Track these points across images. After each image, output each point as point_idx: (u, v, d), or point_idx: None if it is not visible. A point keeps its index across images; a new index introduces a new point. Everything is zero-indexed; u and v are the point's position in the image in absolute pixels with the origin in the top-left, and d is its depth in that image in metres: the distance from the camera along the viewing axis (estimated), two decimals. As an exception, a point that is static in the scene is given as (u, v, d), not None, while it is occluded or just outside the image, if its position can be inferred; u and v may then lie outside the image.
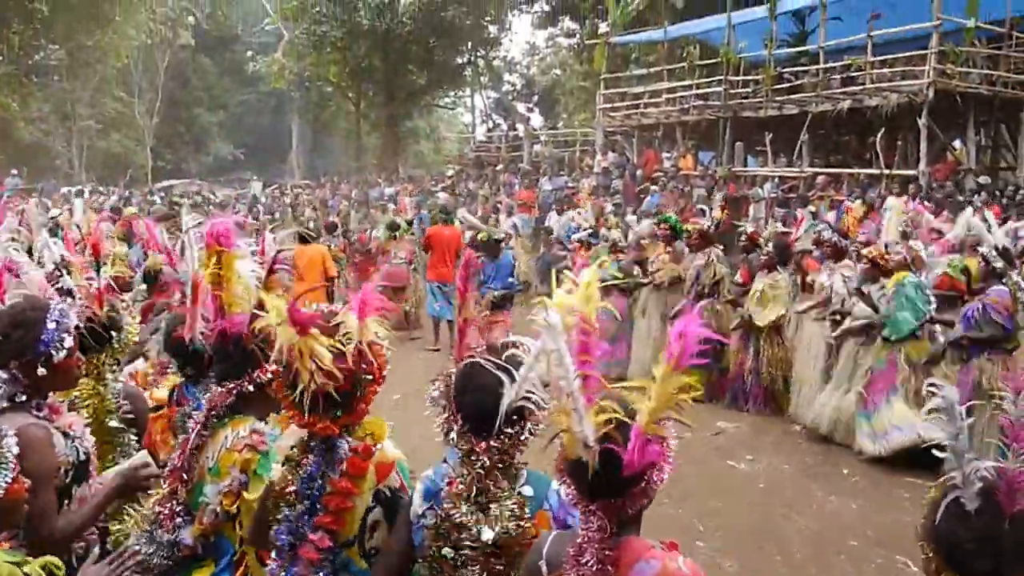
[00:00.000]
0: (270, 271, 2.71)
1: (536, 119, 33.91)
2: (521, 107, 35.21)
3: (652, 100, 18.55)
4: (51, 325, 2.41)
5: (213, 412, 2.49)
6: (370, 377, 2.11)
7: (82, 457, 2.50)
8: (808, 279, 8.01)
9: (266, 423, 2.55)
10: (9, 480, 1.86)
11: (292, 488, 2.12)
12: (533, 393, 1.84)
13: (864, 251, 7.11)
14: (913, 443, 6.11)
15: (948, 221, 9.14)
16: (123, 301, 5.86)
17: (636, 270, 9.29)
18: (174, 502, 2.41)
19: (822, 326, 7.46)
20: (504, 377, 1.87)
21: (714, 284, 8.28)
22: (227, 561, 2.46)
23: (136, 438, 3.17)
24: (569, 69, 30.17)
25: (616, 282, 9.18)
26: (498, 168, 21.63)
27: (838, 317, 7.00)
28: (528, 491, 2.01)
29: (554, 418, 1.61)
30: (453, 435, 2.02)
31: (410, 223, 13.01)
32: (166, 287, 5.30)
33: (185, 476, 2.43)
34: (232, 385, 2.50)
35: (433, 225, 11.01)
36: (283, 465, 2.19)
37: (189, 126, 37.87)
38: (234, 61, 38.85)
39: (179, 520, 2.41)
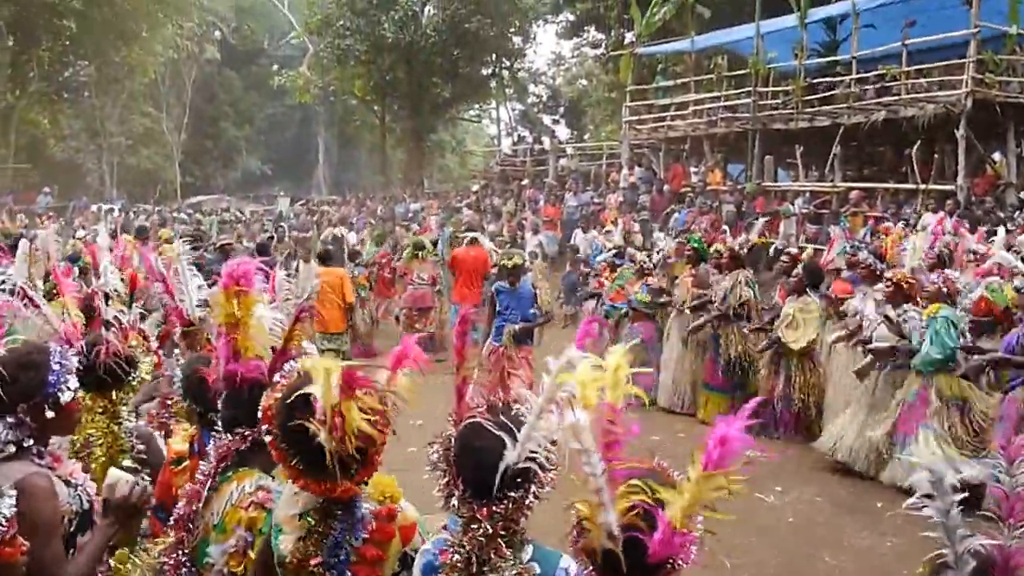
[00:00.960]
0: (296, 320, 2.70)
1: (562, 131, 33.93)
2: (547, 119, 35.24)
3: (679, 112, 18.42)
4: (56, 367, 2.43)
5: (223, 462, 2.44)
6: (379, 435, 2.05)
7: (85, 506, 2.49)
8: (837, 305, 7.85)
9: (273, 477, 2.47)
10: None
11: (317, 560, 2.04)
12: (537, 453, 1.81)
13: (889, 273, 6.96)
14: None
15: (983, 240, 8.93)
16: (143, 329, 5.96)
17: (663, 296, 9.20)
18: (179, 552, 2.37)
19: (854, 353, 7.32)
20: (506, 438, 1.83)
21: (742, 305, 8.16)
22: None
23: (150, 479, 3.08)
24: (595, 80, 30.13)
25: (644, 309, 9.13)
26: (523, 183, 21.62)
27: (869, 346, 6.82)
28: (535, 569, 1.93)
29: (578, 510, 1.60)
30: (454, 501, 1.95)
31: (434, 243, 13.04)
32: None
33: (191, 526, 2.39)
34: (246, 432, 2.44)
35: (458, 246, 11.01)
36: (306, 538, 2.07)
37: (216, 141, 38.36)
38: (260, 75, 39.34)
39: (184, 571, 2.37)
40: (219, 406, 2.66)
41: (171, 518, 2.47)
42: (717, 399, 8.27)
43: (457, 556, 1.90)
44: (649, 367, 8.97)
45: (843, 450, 6.80)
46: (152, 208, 28.29)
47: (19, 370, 2.37)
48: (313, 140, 39.58)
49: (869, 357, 6.72)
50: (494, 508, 1.87)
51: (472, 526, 1.89)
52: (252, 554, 2.26)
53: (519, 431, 1.84)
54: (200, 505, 2.38)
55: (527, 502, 1.88)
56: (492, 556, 1.88)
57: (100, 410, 3.15)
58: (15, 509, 1.89)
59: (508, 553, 1.88)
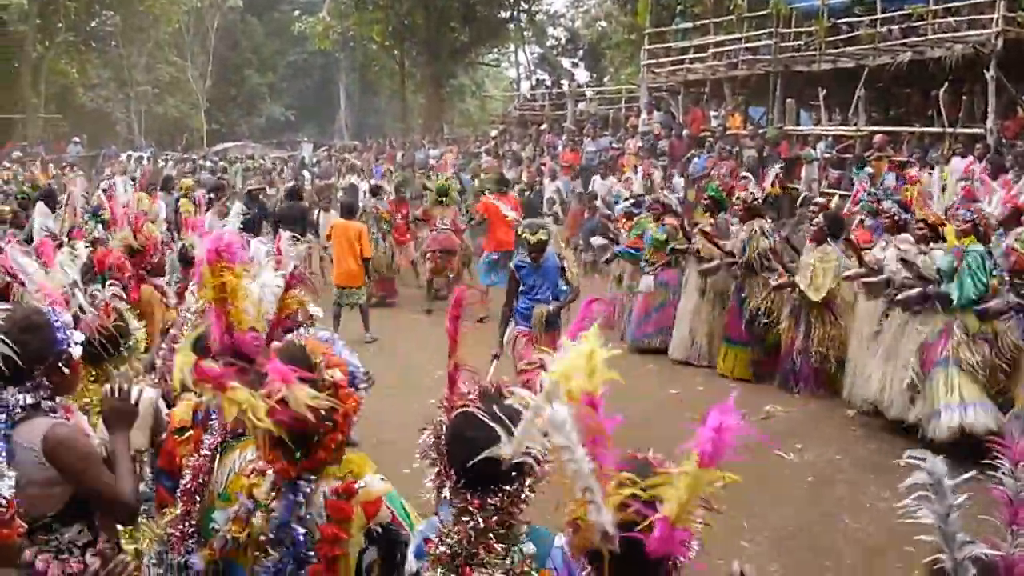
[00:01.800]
0: (287, 288, 2.63)
1: (581, 74, 32.80)
2: (566, 62, 34.05)
3: (699, 55, 17.60)
4: (58, 323, 2.46)
5: (227, 434, 2.37)
6: (330, 424, 1.94)
7: (106, 453, 2.54)
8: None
9: None
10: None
11: (264, 536, 2.00)
12: (533, 448, 1.65)
13: (920, 212, 6.51)
14: (958, 428, 5.66)
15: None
16: (160, 285, 5.73)
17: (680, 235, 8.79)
18: (186, 523, 2.30)
19: (878, 305, 6.92)
20: (500, 429, 1.67)
21: (758, 255, 7.75)
22: None
23: (154, 449, 3.17)
24: (615, 21, 28.95)
25: (661, 249, 8.76)
26: (542, 127, 20.99)
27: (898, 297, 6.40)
28: (530, 548, 1.84)
29: (568, 509, 1.49)
30: (446, 492, 1.87)
31: (460, 192, 12.70)
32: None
33: (198, 498, 2.32)
34: None
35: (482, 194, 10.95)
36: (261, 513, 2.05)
37: (240, 88, 38.01)
38: (281, 22, 38.64)
39: (190, 543, 2.29)
40: None
41: (177, 489, 2.42)
42: (737, 352, 7.95)
43: (442, 548, 1.83)
44: (668, 310, 8.69)
45: (865, 397, 6.46)
46: (180, 155, 28.10)
47: (24, 334, 2.37)
48: (335, 87, 38.95)
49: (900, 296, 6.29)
50: (488, 500, 1.79)
51: (463, 518, 1.82)
52: (255, 520, 2.18)
53: (514, 422, 1.69)
54: (206, 477, 2.34)
55: (522, 495, 1.81)
56: (480, 551, 1.80)
57: (92, 379, 3.17)
58: (12, 492, 1.88)
59: (499, 549, 1.80)
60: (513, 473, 1.77)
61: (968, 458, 5.42)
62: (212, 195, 12.57)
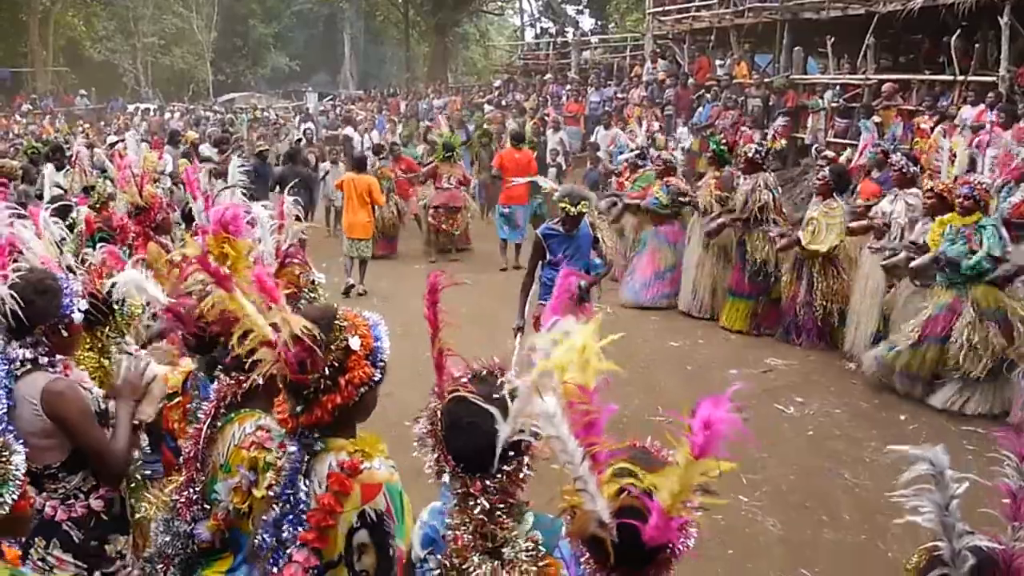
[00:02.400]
0: (281, 266, 2.76)
1: (586, 21, 31.91)
2: (570, 9, 33.07)
3: (705, 2, 16.96)
4: (67, 290, 2.58)
5: (222, 404, 2.38)
6: (330, 383, 1.89)
7: (100, 407, 2.62)
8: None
9: (273, 417, 2.39)
10: (16, 496, 1.86)
11: (272, 492, 2.01)
12: (527, 427, 1.58)
13: (930, 183, 6.29)
14: (954, 404, 5.66)
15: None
16: (165, 243, 5.61)
17: (685, 197, 8.57)
18: (191, 490, 2.33)
19: (881, 257, 6.73)
20: (495, 411, 1.60)
21: (761, 209, 7.56)
22: (244, 555, 2.32)
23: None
24: (620, -34, 28.05)
25: (663, 211, 8.57)
26: (546, 77, 20.46)
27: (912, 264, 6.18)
28: (537, 536, 1.80)
29: (564, 497, 1.46)
30: (445, 477, 1.83)
31: (466, 142, 12.46)
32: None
33: (200, 466, 2.34)
34: (242, 376, 2.35)
35: (483, 146, 10.82)
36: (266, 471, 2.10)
37: (245, 39, 37.48)
38: (285, -31, 37.67)
39: (196, 510, 2.32)
40: (215, 350, 2.58)
41: (180, 457, 2.46)
42: (740, 305, 7.80)
43: (467, 537, 1.80)
44: (675, 270, 8.53)
45: (868, 363, 6.32)
46: (186, 106, 27.70)
47: (36, 295, 2.50)
48: (340, 36, 38.20)
49: (902, 254, 6.09)
50: (488, 482, 1.77)
51: (468, 502, 1.79)
52: (255, 492, 2.19)
53: (510, 402, 1.61)
54: (204, 444, 2.34)
55: (521, 474, 1.79)
56: (497, 530, 1.78)
57: (88, 346, 3.20)
58: (24, 466, 1.93)
59: (511, 523, 1.78)
60: (511, 453, 1.74)
61: (980, 418, 5.49)
62: (218, 148, 12.37)
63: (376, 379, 1.97)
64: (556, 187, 5.90)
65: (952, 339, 5.74)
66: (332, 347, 1.90)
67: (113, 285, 3.25)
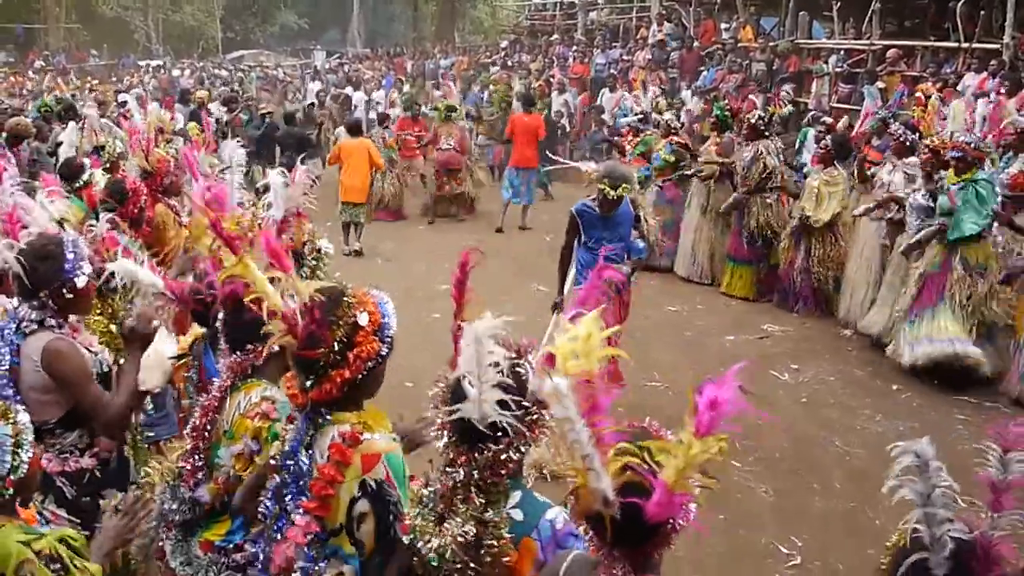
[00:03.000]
0: (279, 232, 2.78)
1: (594, -20, 31.02)
2: (578, -31, 32.18)
3: (713, -37, 16.47)
4: (70, 255, 2.56)
5: (232, 379, 2.42)
6: (339, 358, 1.91)
7: (105, 369, 2.66)
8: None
9: (278, 388, 2.43)
10: (30, 455, 1.88)
11: (274, 463, 2.06)
12: (504, 413, 1.70)
13: (927, 140, 6.19)
14: (946, 356, 5.50)
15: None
16: (174, 204, 5.54)
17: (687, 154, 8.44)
18: (195, 458, 2.37)
19: (879, 226, 6.63)
20: (471, 392, 1.71)
21: (765, 177, 7.42)
22: (242, 519, 2.37)
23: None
24: (629, -74, 27.16)
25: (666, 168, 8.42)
26: (552, 38, 20.00)
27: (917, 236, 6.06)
28: (518, 515, 1.82)
29: (571, 475, 1.48)
30: (443, 443, 1.87)
31: (473, 115, 12.27)
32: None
33: (206, 435, 2.38)
34: (250, 352, 2.41)
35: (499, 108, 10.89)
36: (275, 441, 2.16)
37: (255, -4, 36.46)
38: (293, -75, 36.65)
39: (200, 476, 2.37)
40: (219, 325, 2.58)
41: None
42: (741, 271, 7.73)
43: (425, 491, 1.90)
44: (673, 232, 8.43)
45: (864, 324, 6.27)
46: (196, 63, 27.27)
47: (38, 261, 2.52)
48: (348, -7, 37.23)
49: (918, 236, 5.96)
50: (475, 455, 1.79)
51: (448, 468, 1.84)
52: (258, 460, 2.25)
53: (518, 387, 1.76)
54: (215, 416, 2.38)
55: (504, 457, 1.78)
56: (457, 502, 1.80)
57: (99, 311, 3.22)
58: (33, 426, 1.94)
59: (478, 502, 1.79)
60: (499, 434, 1.75)
61: (969, 393, 5.43)
62: (227, 107, 12.17)
63: (384, 354, 1.97)
64: (596, 168, 5.43)
65: (944, 300, 5.66)
66: (340, 323, 1.91)
67: (111, 273, 3.31)
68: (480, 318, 1.74)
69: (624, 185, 4.74)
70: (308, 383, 1.94)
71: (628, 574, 1.48)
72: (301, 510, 1.95)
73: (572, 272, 5.04)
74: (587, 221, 4.88)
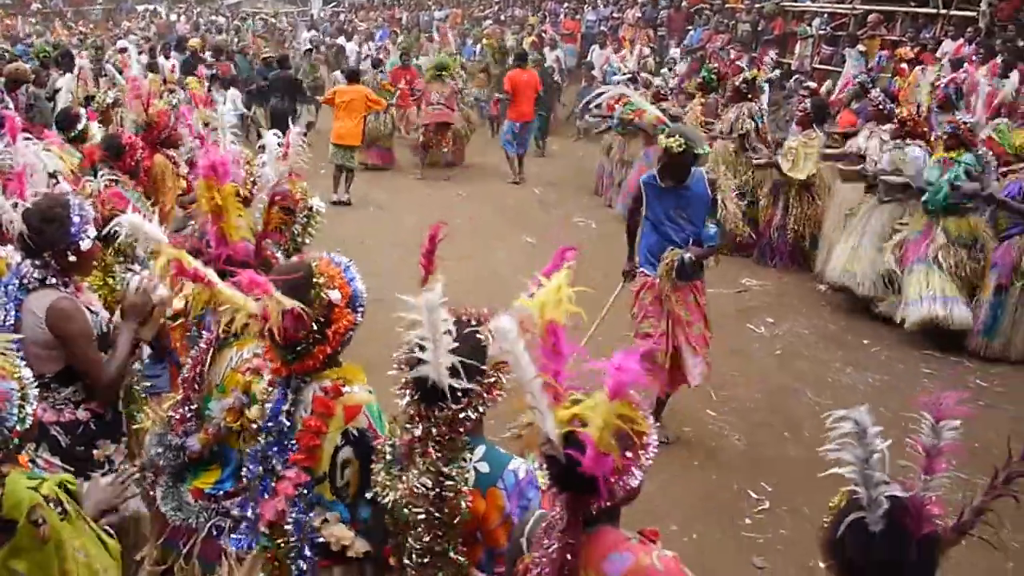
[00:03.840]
0: (271, 205, 2.64)
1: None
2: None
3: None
4: (76, 219, 2.51)
5: (223, 335, 2.37)
6: (319, 336, 1.97)
7: (104, 329, 2.61)
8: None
9: None
10: (34, 408, 1.86)
11: (258, 424, 2.07)
12: (457, 375, 1.72)
13: (899, 110, 6.19)
14: (931, 318, 5.53)
15: (997, 73, 7.77)
16: (172, 156, 5.40)
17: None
18: (185, 409, 2.37)
19: (854, 188, 6.60)
20: (429, 349, 1.70)
21: (742, 136, 7.39)
22: (231, 469, 2.40)
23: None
24: None
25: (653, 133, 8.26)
26: (545, -8, 19.42)
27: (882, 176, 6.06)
28: (484, 467, 1.84)
29: (524, 411, 1.48)
30: (405, 400, 1.87)
31: (454, 57, 11.89)
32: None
33: (197, 386, 2.38)
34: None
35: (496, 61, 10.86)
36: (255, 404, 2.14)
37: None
38: None
39: (189, 426, 2.37)
40: None
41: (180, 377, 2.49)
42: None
43: (386, 447, 1.92)
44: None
45: (841, 273, 6.27)
46: (192, 8, 26.30)
47: (44, 223, 2.46)
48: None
49: (886, 177, 5.93)
50: (434, 413, 1.79)
51: (408, 425, 1.85)
52: (248, 413, 2.24)
53: (477, 352, 1.77)
54: (204, 368, 2.37)
55: (462, 415, 1.79)
56: (416, 457, 1.82)
57: (93, 265, 3.11)
58: (36, 382, 1.92)
59: (435, 456, 1.81)
60: (459, 394, 1.77)
61: (936, 347, 5.46)
62: (216, 57, 11.73)
63: (358, 322, 2.02)
64: (666, 120, 4.71)
65: (928, 262, 5.66)
66: (315, 304, 1.94)
67: (114, 227, 3.23)
68: (436, 284, 1.74)
69: (684, 138, 3.89)
70: (290, 359, 1.98)
71: (570, 518, 1.47)
72: (289, 464, 1.99)
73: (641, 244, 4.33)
74: (652, 194, 4.10)
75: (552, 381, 1.40)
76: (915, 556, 1.32)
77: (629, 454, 1.44)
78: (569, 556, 1.46)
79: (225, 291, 1.97)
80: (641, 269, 4.26)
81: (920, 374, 5.24)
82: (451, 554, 1.82)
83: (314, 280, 1.96)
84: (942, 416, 1.34)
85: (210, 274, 2.01)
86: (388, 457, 1.90)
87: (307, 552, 1.98)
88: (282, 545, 2.00)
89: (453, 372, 1.72)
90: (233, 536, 2.24)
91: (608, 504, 1.47)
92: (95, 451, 2.60)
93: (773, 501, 3.95)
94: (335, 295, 1.96)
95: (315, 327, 1.94)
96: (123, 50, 10.91)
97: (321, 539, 1.99)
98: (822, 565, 1.46)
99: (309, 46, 14.52)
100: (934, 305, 5.51)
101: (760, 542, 3.64)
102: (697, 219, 4.08)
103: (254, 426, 2.08)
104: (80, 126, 5.17)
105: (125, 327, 2.58)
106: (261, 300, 1.89)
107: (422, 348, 1.70)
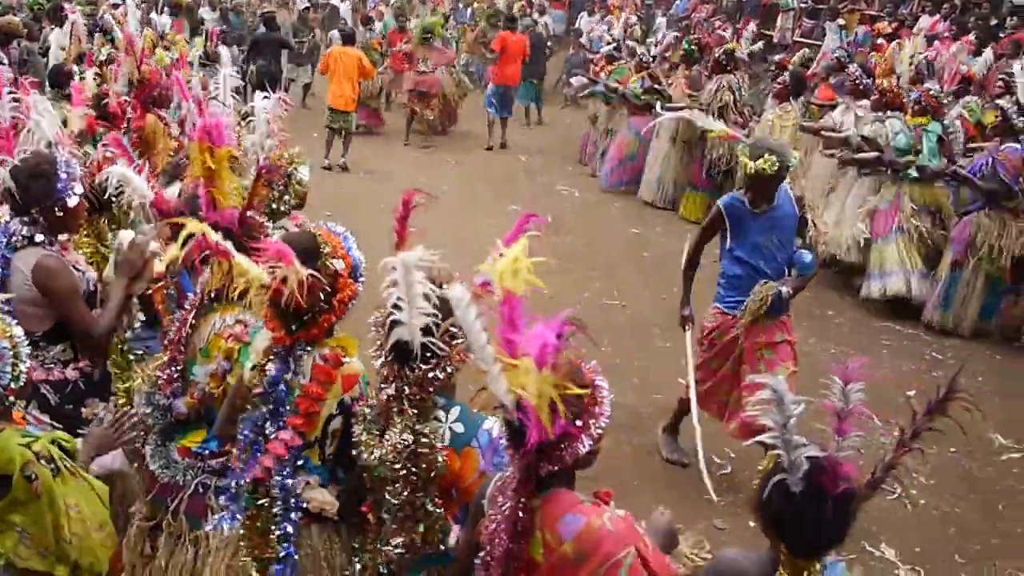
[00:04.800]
0: (257, 179, 2.53)
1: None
2: None
3: None
4: (63, 175, 2.45)
5: (205, 298, 2.36)
6: (325, 306, 1.95)
7: (91, 288, 2.57)
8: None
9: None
10: (27, 365, 1.85)
11: (258, 390, 2.03)
12: (431, 334, 1.73)
13: (878, 82, 6.13)
14: (893, 294, 5.56)
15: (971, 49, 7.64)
16: (163, 116, 5.20)
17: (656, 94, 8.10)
18: (172, 369, 2.34)
19: (831, 162, 6.51)
20: (403, 311, 1.69)
21: (721, 108, 7.23)
22: None
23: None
24: None
25: (636, 102, 8.10)
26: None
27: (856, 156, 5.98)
28: (459, 428, 1.86)
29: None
30: (380, 361, 1.88)
31: (447, 18, 11.45)
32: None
33: (181, 348, 2.34)
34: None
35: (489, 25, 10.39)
36: (252, 369, 2.08)
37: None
38: None
39: (176, 387, 2.34)
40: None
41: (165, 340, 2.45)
42: (698, 198, 7.66)
43: (366, 409, 1.92)
44: (639, 160, 8.23)
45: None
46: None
47: (31, 179, 2.42)
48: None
49: (857, 156, 5.87)
50: (406, 372, 1.81)
51: (381, 384, 1.87)
52: (229, 379, 2.26)
53: (446, 315, 1.68)
54: (188, 331, 2.34)
55: (432, 375, 1.81)
56: (393, 415, 1.84)
57: (86, 232, 3.12)
58: (28, 340, 1.89)
59: (410, 413, 1.82)
60: (428, 355, 1.78)
61: (895, 318, 5.47)
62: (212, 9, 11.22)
63: (359, 291, 2.01)
64: (742, 137, 4.19)
65: (895, 232, 5.68)
66: (322, 274, 1.92)
67: (105, 178, 3.08)
68: (412, 250, 1.72)
69: (768, 154, 3.23)
70: (294, 327, 1.96)
71: (522, 477, 1.47)
72: (285, 425, 1.97)
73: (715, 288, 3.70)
74: (735, 219, 3.43)
75: (502, 352, 1.38)
76: (832, 513, 1.38)
77: (579, 423, 1.45)
78: (521, 514, 1.47)
79: (242, 262, 1.94)
80: (716, 306, 3.65)
81: (880, 346, 5.26)
82: (428, 507, 1.84)
83: (320, 250, 1.95)
84: (850, 380, 1.39)
85: (228, 246, 1.99)
86: (368, 418, 1.91)
87: (292, 515, 1.99)
88: (265, 506, 2.00)
89: (426, 332, 1.72)
90: (217, 515, 2.21)
91: (559, 468, 1.48)
92: (83, 410, 2.56)
93: (735, 466, 3.98)
94: (339, 264, 1.96)
95: (322, 296, 1.93)
96: (116, 5, 10.46)
97: (305, 504, 2.00)
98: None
99: (308, 4, 13.99)
100: (896, 280, 5.54)
101: (722, 505, 3.65)
102: (787, 243, 3.48)
103: (254, 392, 2.05)
104: (77, 78, 4.95)
105: (117, 282, 2.52)
106: (279, 270, 1.86)
107: (398, 308, 1.70)
